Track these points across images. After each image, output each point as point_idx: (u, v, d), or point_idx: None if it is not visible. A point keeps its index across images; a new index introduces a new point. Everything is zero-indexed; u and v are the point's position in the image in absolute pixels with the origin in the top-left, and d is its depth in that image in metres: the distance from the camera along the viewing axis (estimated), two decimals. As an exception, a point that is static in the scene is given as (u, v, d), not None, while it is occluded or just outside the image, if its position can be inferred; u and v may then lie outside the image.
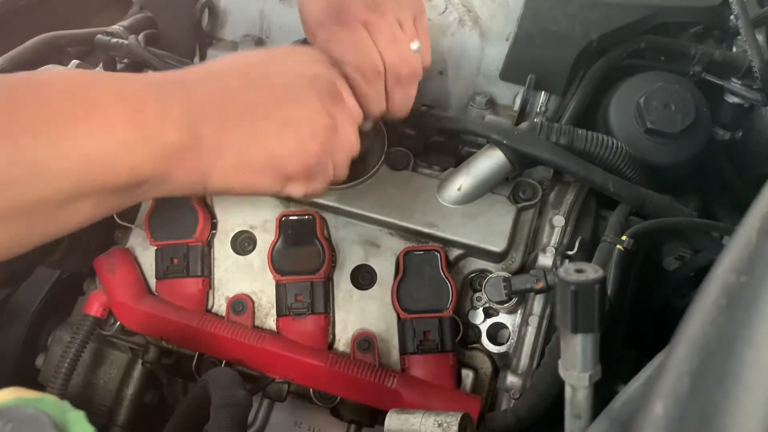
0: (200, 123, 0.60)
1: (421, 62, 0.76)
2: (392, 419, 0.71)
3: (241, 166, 0.63)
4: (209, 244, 0.89)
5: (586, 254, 0.83)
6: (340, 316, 0.86)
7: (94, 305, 0.86)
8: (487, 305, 0.85)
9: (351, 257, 0.87)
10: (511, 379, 0.80)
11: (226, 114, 0.63)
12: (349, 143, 0.72)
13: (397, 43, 0.73)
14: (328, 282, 0.86)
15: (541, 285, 0.77)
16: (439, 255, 0.83)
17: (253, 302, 0.86)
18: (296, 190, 0.70)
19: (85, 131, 0.53)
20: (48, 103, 0.53)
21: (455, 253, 0.85)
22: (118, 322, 0.87)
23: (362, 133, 0.76)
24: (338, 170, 0.73)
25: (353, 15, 0.72)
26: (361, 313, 0.85)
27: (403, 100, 0.77)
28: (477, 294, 0.86)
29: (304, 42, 0.99)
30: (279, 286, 0.85)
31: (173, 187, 0.61)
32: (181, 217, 0.87)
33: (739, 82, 0.95)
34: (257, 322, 0.86)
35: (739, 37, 0.95)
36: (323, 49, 0.74)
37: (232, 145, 0.62)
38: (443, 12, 1.01)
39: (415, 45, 0.75)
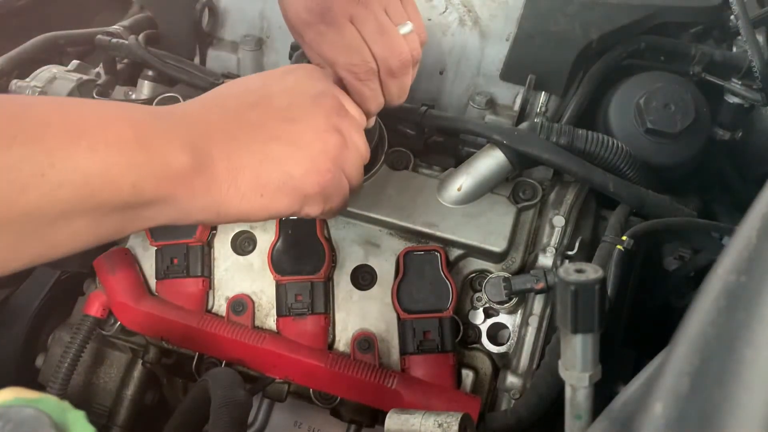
0: (208, 147, 0.59)
1: (415, 45, 0.75)
2: (392, 419, 0.71)
3: (259, 188, 0.61)
4: (209, 245, 0.89)
5: (586, 254, 0.83)
6: (340, 316, 0.86)
7: (94, 305, 0.86)
8: (487, 305, 0.85)
9: (351, 257, 0.87)
10: (511, 379, 0.80)
11: (234, 138, 0.61)
12: (359, 153, 0.72)
13: (385, 35, 0.71)
14: (328, 282, 0.86)
15: (541, 285, 0.77)
16: (439, 255, 0.83)
17: (253, 302, 0.86)
18: (313, 209, 0.68)
19: (86, 146, 0.51)
20: (48, 118, 0.51)
21: (455, 253, 0.85)
22: (118, 322, 0.87)
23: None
24: (353, 181, 0.72)
25: (338, 11, 0.69)
26: (361, 313, 0.85)
27: (400, 90, 0.76)
28: (477, 294, 0.86)
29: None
30: (279, 286, 0.85)
31: (182, 212, 0.59)
32: (181, 217, 0.87)
33: (739, 82, 0.95)
34: (257, 322, 0.86)
35: (739, 37, 0.95)
36: (313, 50, 0.73)
37: (247, 168, 0.61)
38: (443, 12, 1.01)
39: (406, 28, 0.73)
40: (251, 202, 0.62)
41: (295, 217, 0.86)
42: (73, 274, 0.99)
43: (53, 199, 0.49)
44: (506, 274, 0.81)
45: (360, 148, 0.72)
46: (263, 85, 0.67)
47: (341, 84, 0.73)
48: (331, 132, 0.67)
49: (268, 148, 0.62)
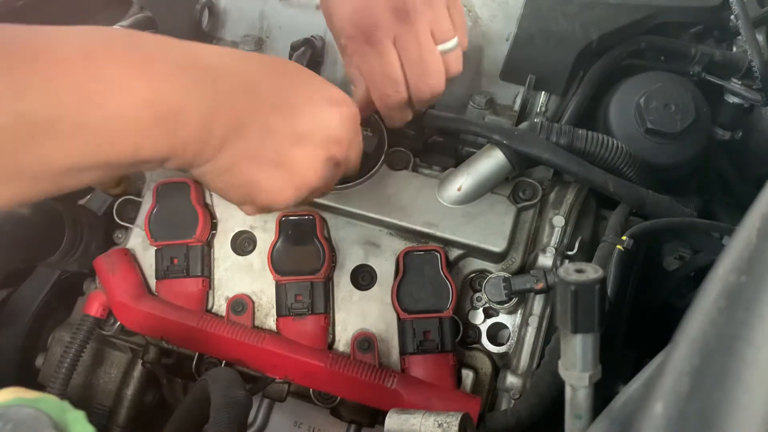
0: (214, 121, 0.59)
1: (456, 62, 0.76)
2: (392, 419, 0.71)
3: (234, 186, 0.65)
4: (209, 244, 0.89)
5: (586, 254, 0.83)
6: (340, 316, 0.86)
7: (94, 305, 0.86)
8: (487, 305, 0.85)
9: (351, 257, 0.87)
10: (511, 380, 0.80)
11: (241, 128, 0.61)
12: (358, 145, 0.74)
13: (424, 63, 0.72)
14: (328, 282, 0.86)
15: (541, 285, 0.77)
16: (439, 255, 0.83)
17: (253, 302, 0.86)
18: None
19: (100, 104, 0.51)
20: (67, 62, 0.51)
21: (455, 253, 0.85)
22: (118, 322, 0.87)
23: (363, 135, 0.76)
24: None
25: (383, 31, 0.69)
26: (361, 313, 0.85)
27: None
28: (477, 294, 0.86)
29: (304, 43, 0.99)
30: (279, 286, 0.85)
31: (178, 165, 0.61)
32: (181, 217, 0.87)
33: (739, 82, 0.95)
34: (257, 322, 0.86)
35: (739, 37, 0.95)
36: (352, 63, 0.74)
37: (244, 160, 0.63)
38: (443, 12, 1.01)
39: (449, 44, 0.73)
40: (224, 192, 0.66)
41: (296, 218, 0.86)
42: (73, 274, 0.98)
43: (64, 151, 0.51)
44: (506, 274, 0.81)
45: (357, 141, 0.74)
46: (299, 105, 0.65)
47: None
48: (327, 164, 0.67)
49: (263, 151, 0.64)
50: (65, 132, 0.50)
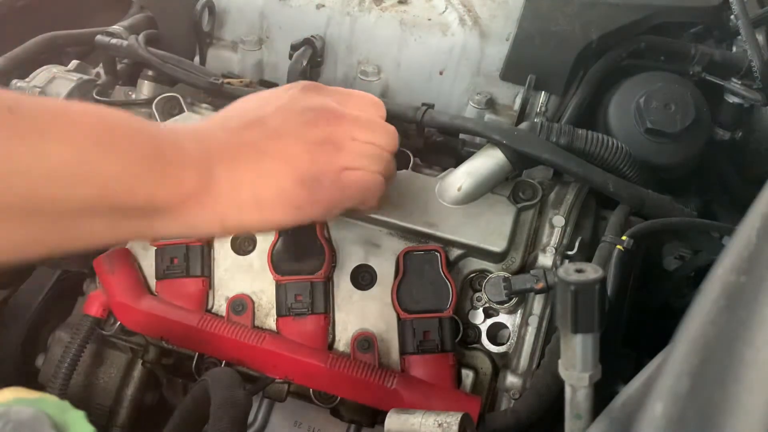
0: (214, 165, 0.63)
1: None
2: (392, 419, 0.71)
3: (256, 203, 0.65)
4: (209, 244, 0.89)
5: (586, 254, 0.83)
6: (340, 316, 0.86)
7: (94, 305, 0.86)
8: (487, 305, 0.85)
9: (351, 257, 0.87)
10: (511, 379, 0.80)
11: (234, 157, 0.65)
12: (366, 149, 0.71)
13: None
14: (328, 282, 0.86)
15: (541, 285, 0.77)
16: (439, 255, 0.83)
17: (253, 302, 0.86)
18: (317, 214, 0.70)
19: (110, 151, 0.56)
20: (82, 120, 0.56)
21: (455, 253, 0.85)
22: (118, 322, 0.87)
23: None
24: (375, 174, 0.72)
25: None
26: (361, 313, 0.85)
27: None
28: (477, 294, 0.86)
29: (304, 43, 0.99)
30: (279, 286, 0.85)
31: (190, 225, 0.63)
32: (181, 217, 0.87)
33: (739, 82, 0.95)
34: (257, 322, 0.86)
35: (739, 37, 0.95)
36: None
37: (245, 184, 0.64)
38: (443, 12, 1.01)
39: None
40: (250, 215, 0.66)
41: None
42: (73, 274, 0.99)
43: (74, 194, 0.55)
44: (506, 274, 0.81)
45: (369, 144, 0.72)
46: (260, 106, 0.70)
47: None
48: (320, 143, 0.68)
49: (262, 164, 0.66)
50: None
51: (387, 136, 0.74)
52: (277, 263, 0.84)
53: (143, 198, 0.58)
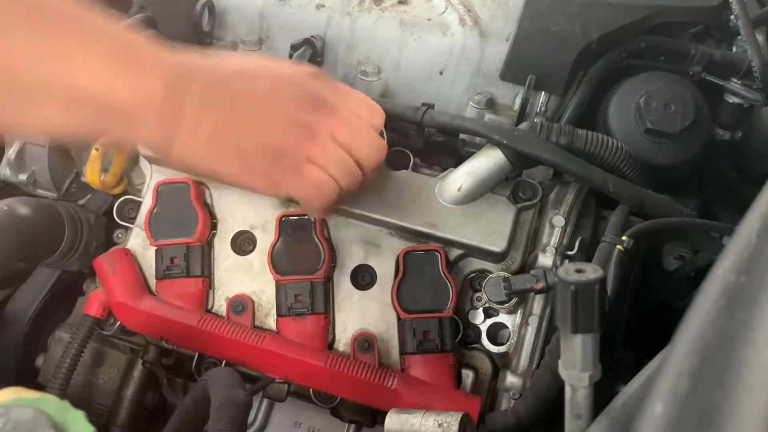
0: (186, 88, 0.63)
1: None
2: (392, 419, 0.71)
3: (211, 145, 0.66)
4: (209, 244, 0.89)
5: (586, 254, 0.83)
6: (340, 316, 0.86)
7: (94, 305, 0.86)
8: (487, 305, 0.85)
9: (351, 257, 0.87)
10: (511, 379, 0.80)
11: (211, 94, 0.65)
12: (341, 154, 0.71)
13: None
14: (328, 282, 0.86)
15: (541, 285, 0.77)
16: (439, 255, 0.83)
17: (253, 302, 0.86)
18: (267, 190, 0.72)
19: (80, 41, 0.58)
20: (63, 12, 0.58)
21: (455, 253, 0.85)
22: (118, 322, 0.87)
23: None
24: (337, 181, 0.72)
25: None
26: (361, 313, 0.85)
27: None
28: (477, 294, 0.86)
29: (304, 43, 0.99)
30: (279, 286, 0.85)
31: (143, 133, 0.64)
32: (181, 217, 0.87)
33: (739, 82, 0.95)
34: (257, 322, 0.86)
35: (739, 37, 0.95)
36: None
37: (208, 122, 0.65)
38: (443, 12, 1.01)
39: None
40: (200, 153, 0.66)
41: (295, 217, 0.86)
42: (73, 274, 0.98)
43: (35, 72, 0.56)
44: (506, 274, 0.81)
45: (345, 148, 0.71)
46: (262, 66, 0.71)
47: None
48: (298, 124, 0.69)
49: (233, 115, 0.66)
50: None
51: (368, 147, 0.73)
52: (277, 263, 0.84)
53: (103, 89, 0.59)
